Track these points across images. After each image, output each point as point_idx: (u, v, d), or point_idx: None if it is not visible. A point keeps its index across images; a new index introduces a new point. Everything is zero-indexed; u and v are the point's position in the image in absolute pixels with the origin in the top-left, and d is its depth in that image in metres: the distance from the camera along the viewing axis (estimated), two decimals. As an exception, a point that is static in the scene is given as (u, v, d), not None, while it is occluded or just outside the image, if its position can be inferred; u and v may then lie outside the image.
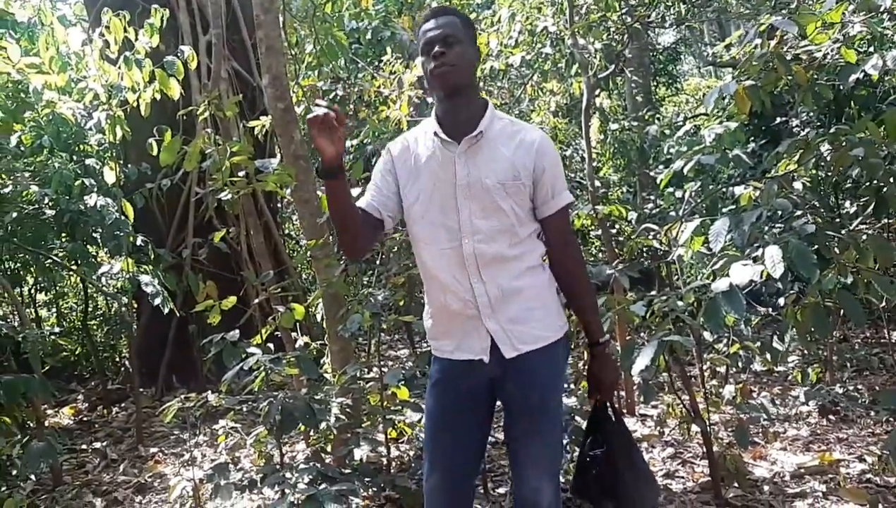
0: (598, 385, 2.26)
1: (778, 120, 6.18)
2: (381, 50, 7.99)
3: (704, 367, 4.42)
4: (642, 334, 5.93)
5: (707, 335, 4.51)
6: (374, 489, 3.43)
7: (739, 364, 4.41)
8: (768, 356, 3.95)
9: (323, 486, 2.89)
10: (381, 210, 2.18)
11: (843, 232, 3.02)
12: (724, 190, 4.55)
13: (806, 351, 5.28)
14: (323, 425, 3.33)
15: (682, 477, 3.75)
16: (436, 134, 2.13)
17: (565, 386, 2.38)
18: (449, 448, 2.23)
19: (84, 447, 5.22)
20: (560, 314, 2.21)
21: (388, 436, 3.69)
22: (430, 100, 2.23)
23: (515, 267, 2.11)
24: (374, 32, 8.49)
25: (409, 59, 6.11)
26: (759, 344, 4.13)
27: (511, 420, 2.19)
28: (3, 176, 5.01)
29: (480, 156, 2.10)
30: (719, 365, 4.70)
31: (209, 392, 3.53)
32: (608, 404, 2.32)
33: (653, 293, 3.41)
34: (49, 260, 5.62)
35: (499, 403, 2.25)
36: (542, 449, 2.15)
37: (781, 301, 3.48)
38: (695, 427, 3.53)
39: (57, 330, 6.35)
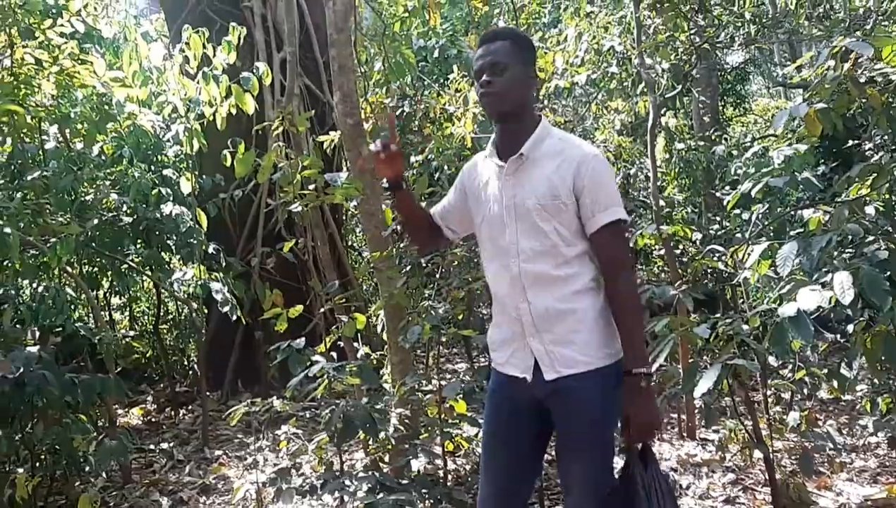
0: (628, 422, 2.07)
1: (850, 143, 6.03)
2: (448, 68, 8.10)
3: (769, 393, 4.33)
4: (705, 357, 5.84)
5: (772, 360, 4.43)
6: (431, 500, 3.46)
7: (805, 391, 4.31)
8: (835, 383, 3.86)
9: (381, 495, 2.95)
10: (439, 218, 2.47)
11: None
12: (792, 213, 4.48)
13: (876, 380, 5.12)
14: (382, 434, 3.40)
15: (743, 504, 3.68)
16: (488, 156, 2.26)
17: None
18: (503, 460, 2.26)
19: (152, 447, 5.40)
20: (611, 341, 2.13)
21: (446, 449, 3.73)
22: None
23: (563, 289, 2.10)
24: (441, 51, 8.62)
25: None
26: (825, 371, 4.04)
27: (558, 443, 2.21)
28: (86, 184, 5.25)
29: (524, 177, 2.15)
30: (784, 391, 4.61)
31: (273, 397, 3.63)
32: (644, 447, 2.11)
33: (717, 315, 3.38)
34: (125, 266, 5.85)
35: None
36: (584, 475, 2.14)
37: (850, 327, 3.40)
38: (757, 454, 3.46)
39: (130, 333, 6.59)
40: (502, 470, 2.26)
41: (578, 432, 2.13)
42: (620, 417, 2.13)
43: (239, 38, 4.98)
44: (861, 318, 3.33)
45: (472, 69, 2.23)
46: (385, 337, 4.10)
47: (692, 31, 5.27)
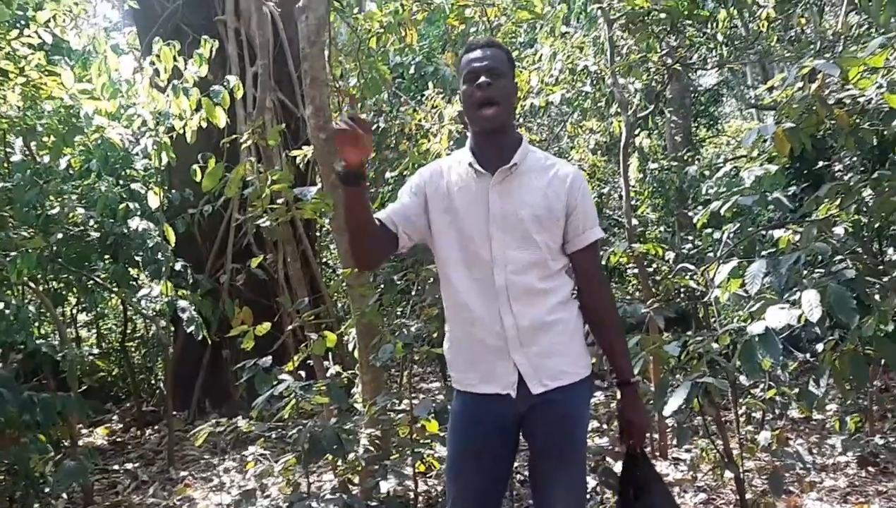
0: (629, 427, 2.20)
1: (820, 164, 6.10)
2: (424, 84, 8.10)
3: (740, 412, 4.33)
4: (677, 376, 5.84)
5: (743, 379, 4.43)
6: (400, 522, 3.41)
7: (776, 410, 4.31)
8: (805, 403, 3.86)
9: (348, 516, 2.88)
10: (399, 226, 2.13)
11: (885, 279, 2.96)
12: (763, 233, 4.50)
13: (845, 400, 5.15)
14: (351, 455, 3.33)
15: (715, 524, 3.66)
16: (470, 164, 2.13)
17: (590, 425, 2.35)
18: (474, 483, 2.18)
19: (116, 467, 5.28)
20: (586, 352, 2.19)
21: (416, 470, 3.67)
22: (469, 133, 2.24)
23: (547, 301, 2.09)
24: (417, 67, 8.63)
25: (451, 94, 6.19)
26: (796, 390, 4.05)
27: (537, 458, 2.17)
28: (52, 197, 5.15)
29: (514, 187, 2.10)
30: (755, 410, 4.61)
31: (240, 417, 3.55)
32: (640, 450, 2.25)
33: (689, 334, 3.37)
34: (91, 281, 5.74)
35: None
36: (568, 489, 2.14)
37: (820, 347, 3.42)
38: (728, 473, 3.45)
39: (96, 350, 6.47)
40: (474, 491, 2.18)
41: (563, 443, 2.12)
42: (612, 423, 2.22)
43: (211, 51, 4.93)
44: (830, 337, 3.34)
45: (463, 72, 2.12)
46: (356, 355, 4.04)
47: (664, 52, 5.31)
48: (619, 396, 2.22)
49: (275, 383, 3.26)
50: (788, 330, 2.84)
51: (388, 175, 5.69)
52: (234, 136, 4.43)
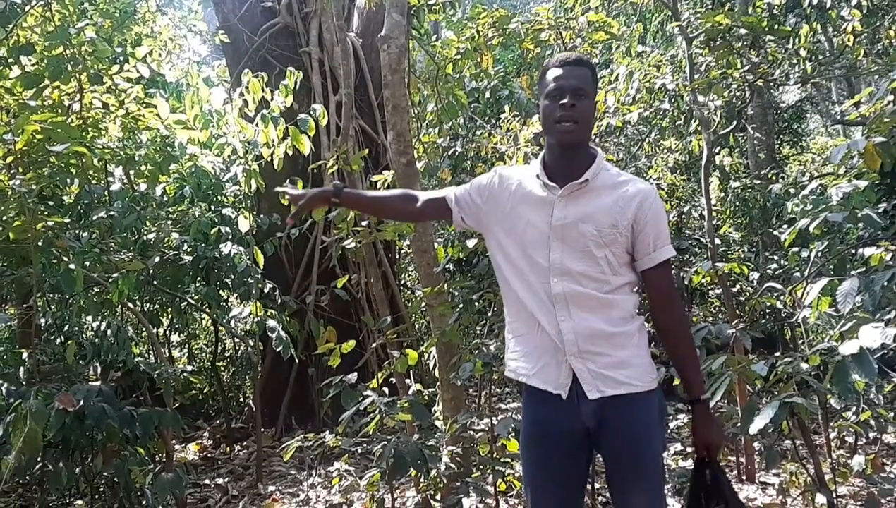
0: (701, 444, 2.22)
1: (913, 179, 5.88)
2: (500, 108, 8.18)
3: (832, 436, 4.19)
4: (764, 400, 5.68)
5: (834, 402, 4.29)
6: (482, 539, 3.43)
7: (870, 434, 4.16)
8: (902, 426, 3.72)
9: (433, 532, 2.93)
10: (455, 204, 2.38)
11: None
12: (853, 251, 4.37)
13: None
14: (433, 472, 3.38)
15: (807, 551, 3.55)
16: (538, 176, 2.22)
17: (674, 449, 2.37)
18: (554, 498, 2.23)
19: (207, 482, 5.46)
20: (651, 366, 2.20)
21: (497, 488, 3.69)
22: (545, 146, 2.31)
23: (610, 313, 2.13)
24: (492, 92, 8.72)
25: (526, 117, 6.24)
26: (892, 414, 3.90)
27: (611, 472, 2.22)
28: (148, 223, 5.42)
29: (581, 202, 2.16)
30: (848, 433, 4.46)
31: (326, 433, 3.66)
32: (713, 464, 2.24)
33: (776, 354, 3.30)
34: (185, 303, 5.99)
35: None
36: (644, 503, 2.16)
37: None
38: (820, 498, 3.34)
39: (189, 368, 6.72)
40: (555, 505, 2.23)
41: (634, 459, 2.15)
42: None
43: (296, 82, 5.12)
44: (928, 358, 3.22)
45: (547, 87, 2.18)
46: (437, 374, 4.10)
47: (746, 68, 5.23)
48: (692, 414, 2.25)
49: (360, 399, 3.35)
50: (882, 352, 2.76)
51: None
52: (319, 162, 4.58)
